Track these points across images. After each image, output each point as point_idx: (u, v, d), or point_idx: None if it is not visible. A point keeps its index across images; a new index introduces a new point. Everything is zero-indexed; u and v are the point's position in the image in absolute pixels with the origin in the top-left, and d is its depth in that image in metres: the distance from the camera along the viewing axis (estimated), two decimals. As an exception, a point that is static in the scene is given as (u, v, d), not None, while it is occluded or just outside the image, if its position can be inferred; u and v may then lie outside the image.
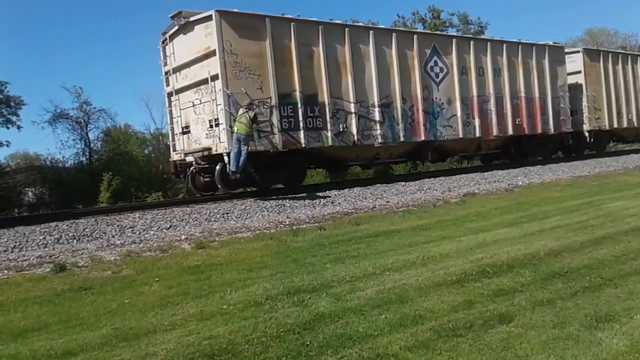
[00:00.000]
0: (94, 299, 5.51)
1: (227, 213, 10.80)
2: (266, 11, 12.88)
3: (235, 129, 11.38)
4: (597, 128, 21.68)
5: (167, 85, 13.99)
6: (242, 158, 11.31)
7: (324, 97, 13.48)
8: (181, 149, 13.74)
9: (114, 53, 61.11)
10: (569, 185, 13.56)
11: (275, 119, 12.53)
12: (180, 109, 13.58)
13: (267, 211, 11.12)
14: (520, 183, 14.50)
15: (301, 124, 13.00)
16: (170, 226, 9.81)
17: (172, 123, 14.11)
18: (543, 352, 3.58)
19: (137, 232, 9.34)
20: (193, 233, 9.25)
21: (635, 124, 23.53)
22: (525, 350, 3.61)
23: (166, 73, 13.92)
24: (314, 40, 13.42)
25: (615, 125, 22.42)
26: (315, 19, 13.86)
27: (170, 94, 13.91)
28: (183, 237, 8.90)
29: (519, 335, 3.87)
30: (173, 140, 14.11)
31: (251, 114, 11.48)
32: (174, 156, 14.05)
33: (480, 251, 6.49)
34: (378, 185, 14.19)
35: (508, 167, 18.09)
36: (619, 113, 22.59)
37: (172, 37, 13.44)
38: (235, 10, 12.38)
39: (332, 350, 3.81)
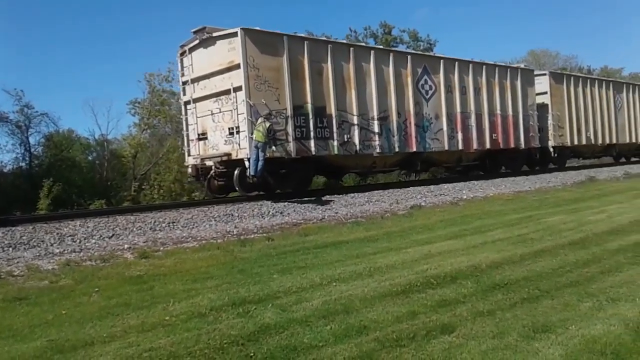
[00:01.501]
0: (29, 310, 5.27)
1: (173, 222, 10.60)
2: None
3: (254, 136, 12.45)
4: (561, 144, 23.76)
5: (184, 94, 15.18)
6: (260, 163, 12.37)
7: (332, 109, 14.74)
8: (197, 154, 14.77)
9: (59, 57, 59.11)
10: (510, 199, 14.02)
11: (290, 129, 13.69)
12: (197, 117, 14.68)
13: (215, 221, 10.98)
14: (465, 197, 14.89)
15: (312, 133, 14.20)
16: (113, 235, 9.53)
17: (187, 130, 15.18)
18: (483, 361, 3.66)
19: (78, 241, 9.03)
20: (136, 242, 9.02)
21: (593, 142, 25.62)
22: (466, 360, 3.69)
23: (183, 83, 15.09)
24: (323, 57, 14.69)
25: (576, 142, 24.54)
26: (324, 39, 15.78)
27: (187, 103, 15.02)
28: (126, 246, 8.66)
29: (460, 346, 3.94)
30: (188, 145, 15.19)
31: (267, 124, 12.54)
32: (190, 160, 15.02)
33: (425, 262, 6.60)
34: (328, 196, 14.26)
35: (454, 180, 18.69)
36: (579, 131, 24.69)
37: (191, 49, 14.57)
38: (258, 28, 13.54)
39: (276, 362, 3.78)
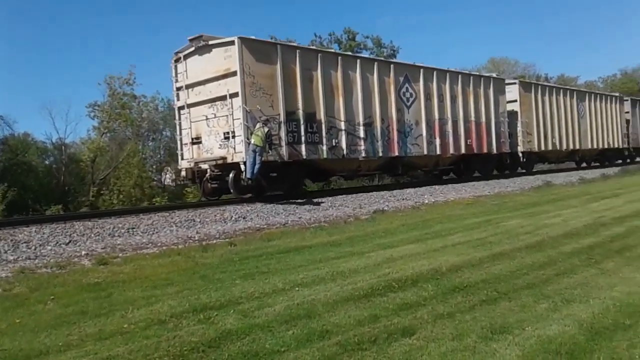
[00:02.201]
0: (-21, 319, 5.07)
1: (133, 228, 10.39)
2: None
3: (252, 140, 12.96)
4: (529, 150, 24.90)
5: (178, 100, 15.62)
6: (256, 167, 12.88)
7: (321, 115, 15.34)
8: (191, 157, 15.15)
9: (14, 58, 57.27)
10: (470, 204, 14.29)
11: (283, 133, 14.23)
12: (191, 122, 15.07)
13: (176, 226, 10.82)
14: (427, 201, 15.11)
15: (303, 138, 14.78)
16: (70, 241, 9.28)
17: (181, 134, 15.59)
18: (442, 363, 3.71)
19: (33, 247, 8.76)
20: (94, 249, 8.81)
21: (558, 147, 26.92)
22: (426, 363, 3.73)
23: (177, 89, 15.49)
24: (313, 65, 15.27)
25: (543, 148, 25.77)
26: (315, 48, 16.93)
27: (181, 108, 15.47)
28: (83, 252, 8.45)
29: (421, 348, 3.99)
30: (181, 149, 15.57)
31: (265, 129, 13.05)
32: (184, 164, 15.43)
33: (387, 266, 6.65)
34: (291, 201, 14.24)
35: (416, 185, 19.00)
36: (545, 137, 25.93)
37: (186, 56, 15.00)
38: (253, 37, 14.11)
39: (238, 368, 3.74)
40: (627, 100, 34.89)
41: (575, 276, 5.91)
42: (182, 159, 15.53)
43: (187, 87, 15.06)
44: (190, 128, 15.12)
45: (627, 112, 34.18)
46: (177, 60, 15.31)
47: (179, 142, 15.74)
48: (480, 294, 5.29)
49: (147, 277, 6.65)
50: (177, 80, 15.46)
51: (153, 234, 10.19)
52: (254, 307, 5.13)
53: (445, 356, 3.82)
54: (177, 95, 15.60)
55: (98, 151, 27.77)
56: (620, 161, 33.51)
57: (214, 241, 9.48)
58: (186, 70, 15.04)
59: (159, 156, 31.90)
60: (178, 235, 10.04)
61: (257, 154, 12.83)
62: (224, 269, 7.03)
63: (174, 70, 15.48)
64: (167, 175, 31.57)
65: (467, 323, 4.48)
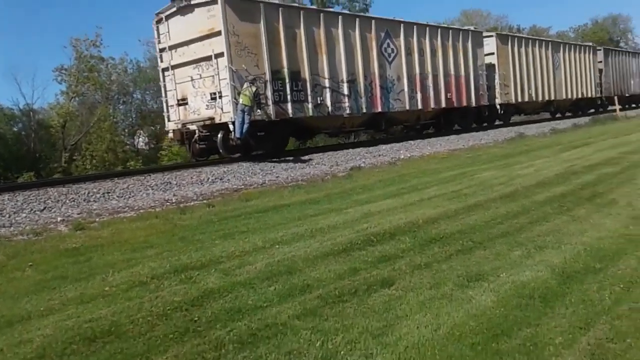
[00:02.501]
0: (-43, 289, 5.02)
1: (108, 192, 10.29)
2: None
3: (240, 100, 13.05)
4: (506, 102, 25.34)
5: (162, 61, 15.45)
6: (245, 126, 13.07)
7: (306, 73, 15.42)
8: (177, 119, 15.14)
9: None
10: (445, 158, 14.45)
11: (269, 92, 14.34)
12: (176, 83, 15.00)
13: (152, 189, 10.74)
14: (402, 156, 15.22)
15: (289, 96, 14.89)
16: (45, 208, 9.16)
17: (166, 96, 15.46)
18: (421, 311, 3.82)
19: (7, 215, 8.63)
20: (70, 214, 8.72)
21: (534, 99, 27.37)
22: (405, 311, 3.84)
23: (160, 50, 15.39)
24: (296, 23, 15.26)
25: (519, 100, 26.16)
26: (297, 5, 16.61)
27: (165, 70, 15.29)
28: (59, 218, 8.37)
29: (400, 298, 4.09)
30: (167, 111, 15.52)
31: (253, 88, 13.18)
32: (171, 125, 15.45)
33: (365, 221, 6.74)
34: (268, 161, 14.21)
35: (391, 141, 19.07)
36: (522, 89, 26.31)
37: (168, 17, 14.77)
38: None
39: (221, 324, 3.80)
40: (600, 50, 35.23)
41: (548, 224, 6.07)
42: (169, 120, 15.53)
43: (171, 48, 14.91)
44: (176, 90, 15.08)
45: (600, 62, 34.55)
46: (158, 22, 15.07)
47: (164, 104, 15.62)
48: (456, 244, 5.42)
49: (125, 240, 6.63)
50: (159, 42, 15.31)
51: (129, 198, 10.11)
52: (235, 266, 5.18)
53: (423, 304, 3.94)
54: (161, 56, 15.47)
55: (68, 116, 27.11)
56: (593, 110, 34.06)
57: (192, 203, 9.46)
58: (168, 31, 14.87)
59: (130, 119, 31.30)
60: (155, 199, 9.98)
61: (246, 113, 12.98)
62: (203, 230, 7.03)
63: (156, 32, 15.27)
64: (141, 139, 31.11)
65: (444, 272, 4.61)
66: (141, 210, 8.87)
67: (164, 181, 11.35)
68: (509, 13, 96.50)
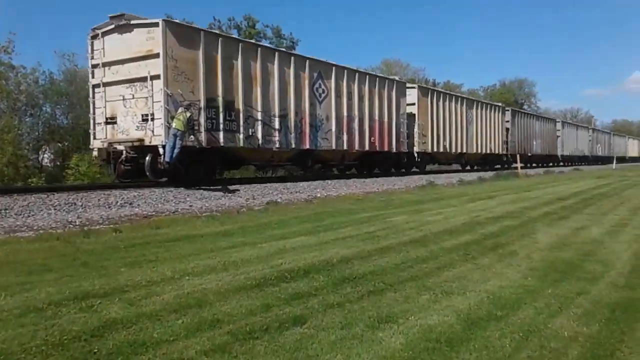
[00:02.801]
0: None
1: (6, 209, 9.61)
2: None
3: (173, 124, 13.08)
4: (424, 151, 26.78)
5: (93, 77, 15.11)
6: (176, 151, 13.02)
7: (240, 104, 15.77)
8: (104, 137, 14.77)
9: None
10: (360, 199, 14.77)
11: (202, 119, 14.47)
12: (107, 101, 14.72)
13: (55, 209, 10.14)
14: (319, 195, 15.40)
15: (221, 125, 15.12)
16: None
17: (94, 113, 15.14)
18: (332, 351, 3.81)
19: None
20: (-40, 230, 8.00)
21: (448, 150, 29.16)
22: (316, 350, 3.81)
23: (93, 66, 15.05)
24: (234, 54, 15.65)
25: (435, 150, 27.77)
26: (236, 37, 17.56)
27: (95, 86, 15.01)
28: (-54, 234, 7.65)
29: (311, 336, 4.06)
30: (94, 129, 15.15)
31: (188, 114, 13.34)
32: (97, 144, 15.00)
33: (280, 257, 6.70)
34: (182, 189, 13.86)
35: (309, 179, 19.28)
36: (438, 140, 27.98)
37: (104, 34, 14.59)
38: (177, 21, 14.70)
39: (123, 358, 3.59)
40: (508, 110, 38.16)
41: (454, 270, 6.31)
42: (95, 138, 15.17)
43: (104, 65, 14.73)
44: (105, 107, 14.81)
45: (508, 121, 37.37)
46: (94, 37, 14.88)
47: (91, 121, 15.25)
48: (368, 285, 5.49)
49: (21, 262, 6.18)
50: (92, 57, 15.05)
51: (29, 216, 9.47)
52: (141, 296, 4.94)
53: (334, 344, 3.93)
54: (92, 72, 15.17)
55: (-34, 125, 25.11)
56: (499, 166, 36.44)
57: (97, 227, 9.01)
58: (103, 48, 14.69)
59: (37, 133, 29.50)
60: (57, 219, 9.42)
61: (178, 138, 13.02)
62: (108, 256, 6.70)
63: (90, 47, 15.03)
64: (46, 155, 29.33)
65: (355, 312, 4.64)
66: (41, 231, 8.33)
67: (69, 202, 10.75)
68: (426, 66, 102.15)
